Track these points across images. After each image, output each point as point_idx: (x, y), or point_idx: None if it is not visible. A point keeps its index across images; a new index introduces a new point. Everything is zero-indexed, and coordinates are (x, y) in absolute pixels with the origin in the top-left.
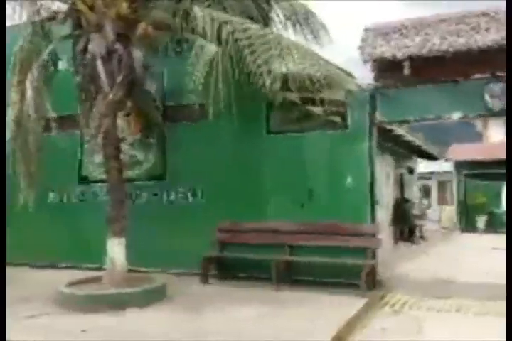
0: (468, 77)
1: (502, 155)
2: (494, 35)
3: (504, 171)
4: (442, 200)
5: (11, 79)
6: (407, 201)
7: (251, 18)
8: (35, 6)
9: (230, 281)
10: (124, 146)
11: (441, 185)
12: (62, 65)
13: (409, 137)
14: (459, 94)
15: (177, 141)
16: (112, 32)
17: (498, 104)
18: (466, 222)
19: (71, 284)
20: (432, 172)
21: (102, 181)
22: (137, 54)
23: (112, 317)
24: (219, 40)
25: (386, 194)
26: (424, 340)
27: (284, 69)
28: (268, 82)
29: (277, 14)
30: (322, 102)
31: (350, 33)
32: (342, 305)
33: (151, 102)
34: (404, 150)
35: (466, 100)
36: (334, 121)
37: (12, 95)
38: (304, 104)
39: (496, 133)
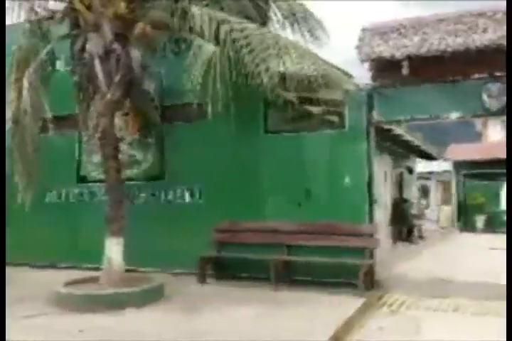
0: (466, 77)
1: (501, 154)
2: (491, 35)
3: (503, 171)
4: (441, 200)
5: (9, 78)
6: (405, 201)
7: (249, 18)
8: (33, 5)
9: (229, 281)
10: (123, 146)
11: (440, 185)
12: (60, 65)
13: (407, 137)
14: (457, 94)
15: (175, 140)
16: (110, 31)
17: (496, 104)
18: (465, 222)
19: (68, 284)
20: (430, 172)
21: (100, 181)
22: (135, 53)
23: (109, 317)
24: (217, 40)
25: (384, 194)
26: (422, 340)
27: (281, 69)
28: (265, 80)
29: (275, 13)
30: (320, 102)
31: (349, 32)
32: (340, 305)
33: (150, 102)
34: (403, 150)
35: (464, 100)
36: (332, 120)
37: (10, 94)
38: (301, 103)
39: (495, 132)
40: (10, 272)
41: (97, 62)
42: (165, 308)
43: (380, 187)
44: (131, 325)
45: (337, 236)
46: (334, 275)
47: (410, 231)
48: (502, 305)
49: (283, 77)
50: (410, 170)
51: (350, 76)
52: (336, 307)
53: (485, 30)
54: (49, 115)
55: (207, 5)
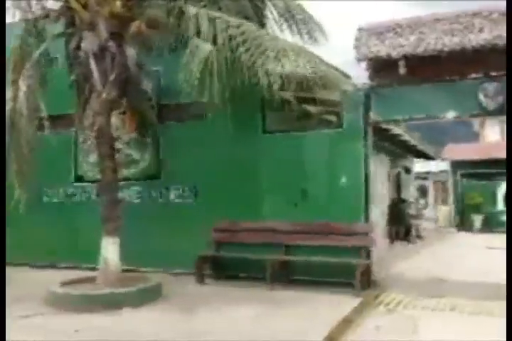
0: (463, 77)
1: (498, 154)
2: (487, 35)
3: (500, 171)
4: (439, 200)
5: (8, 77)
6: (403, 201)
7: (247, 18)
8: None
9: (227, 281)
10: (120, 145)
11: (438, 185)
12: (56, 64)
13: (405, 136)
14: (453, 94)
15: (172, 140)
16: (105, 30)
17: (492, 103)
18: (463, 222)
19: (65, 284)
20: (428, 172)
21: (97, 181)
22: (130, 52)
23: (106, 317)
24: (214, 39)
25: (382, 193)
26: (419, 339)
27: (279, 69)
28: (265, 83)
29: (272, 13)
30: (317, 102)
31: (349, 33)
32: (337, 305)
33: (146, 101)
34: (400, 150)
35: (461, 99)
36: (329, 120)
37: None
38: (299, 103)
39: (492, 133)
40: (10, 272)
41: (92, 61)
42: (162, 308)
43: (377, 186)
44: (128, 325)
45: (333, 236)
46: (332, 274)
47: (408, 231)
48: (499, 305)
49: (281, 78)
50: (408, 170)
51: (348, 77)
52: (333, 306)
53: (481, 30)
54: (45, 114)
55: (205, 6)
